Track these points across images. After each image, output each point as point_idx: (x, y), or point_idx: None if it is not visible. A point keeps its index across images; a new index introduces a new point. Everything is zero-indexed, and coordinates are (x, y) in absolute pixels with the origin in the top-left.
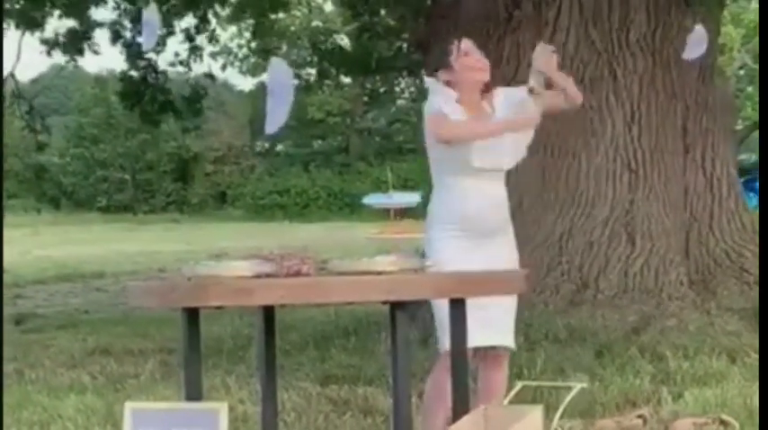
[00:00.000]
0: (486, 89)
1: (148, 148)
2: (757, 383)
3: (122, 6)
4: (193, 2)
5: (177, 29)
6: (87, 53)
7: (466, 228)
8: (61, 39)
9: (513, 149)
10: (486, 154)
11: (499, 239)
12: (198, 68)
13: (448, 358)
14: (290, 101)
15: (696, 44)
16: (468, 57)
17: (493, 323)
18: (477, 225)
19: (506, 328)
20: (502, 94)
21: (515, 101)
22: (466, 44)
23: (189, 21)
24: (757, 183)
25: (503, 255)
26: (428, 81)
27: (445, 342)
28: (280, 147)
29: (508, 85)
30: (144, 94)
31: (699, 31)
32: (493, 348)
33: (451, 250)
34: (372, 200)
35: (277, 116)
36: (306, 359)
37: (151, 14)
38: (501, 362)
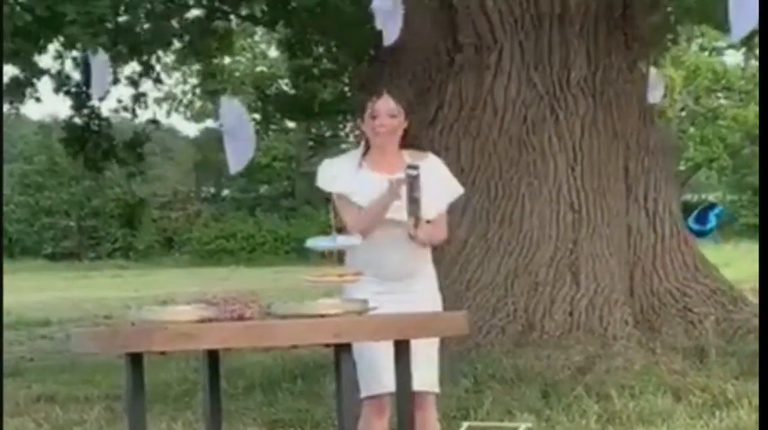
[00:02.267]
0: (404, 139)
1: (93, 195)
2: (702, 421)
3: (65, 54)
4: (137, 48)
5: (121, 75)
6: (30, 100)
7: (384, 273)
8: (8, 88)
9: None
10: (392, 208)
11: (421, 280)
12: (143, 115)
13: (374, 401)
14: (251, 137)
15: (655, 87)
16: (374, 120)
17: (415, 367)
18: (392, 272)
19: (429, 372)
20: (434, 165)
21: (436, 181)
22: (380, 104)
23: (133, 67)
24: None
25: (427, 295)
26: (324, 167)
27: (371, 386)
28: (225, 193)
29: (451, 127)
30: (87, 140)
31: (655, 74)
32: (418, 392)
33: (372, 296)
34: (316, 243)
35: (239, 155)
36: (252, 403)
37: (100, 62)
38: (428, 404)
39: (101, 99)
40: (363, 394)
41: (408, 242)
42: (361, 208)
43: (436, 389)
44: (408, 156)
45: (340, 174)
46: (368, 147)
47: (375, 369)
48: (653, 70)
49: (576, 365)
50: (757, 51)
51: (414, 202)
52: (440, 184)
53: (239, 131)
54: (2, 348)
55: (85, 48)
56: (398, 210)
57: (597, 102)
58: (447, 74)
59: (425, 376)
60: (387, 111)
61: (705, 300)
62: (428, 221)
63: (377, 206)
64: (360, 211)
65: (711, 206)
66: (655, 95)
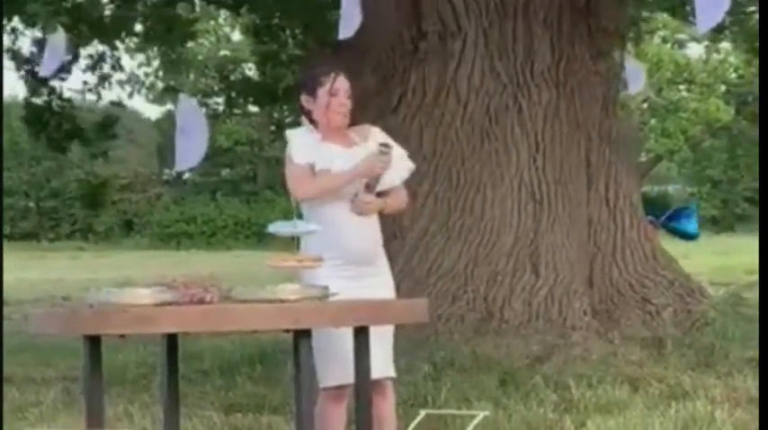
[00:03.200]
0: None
1: (53, 176)
2: (658, 412)
3: (23, 32)
4: (101, 31)
5: (82, 56)
6: None
7: (343, 258)
8: None
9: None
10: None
11: (375, 267)
12: (106, 96)
13: (332, 392)
14: (204, 139)
15: (634, 78)
16: (334, 98)
17: (373, 355)
18: (353, 256)
19: (385, 359)
20: (381, 138)
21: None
22: (340, 83)
23: (95, 47)
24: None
25: (381, 282)
26: (288, 133)
27: (328, 376)
28: (187, 176)
29: (414, 114)
30: (49, 121)
31: (633, 64)
32: (376, 379)
33: (329, 280)
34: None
35: (188, 154)
36: (210, 387)
37: (57, 40)
38: (385, 390)
39: (50, 76)
40: (326, 384)
41: (369, 225)
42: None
43: (393, 374)
44: (353, 132)
45: (309, 147)
46: (313, 122)
47: (332, 359)
48: (632, 60)
49: (534, 354)
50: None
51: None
52: (396, 161)
53: (191, 131)
54: (2, 344)
55: (44, 25)
56: (356, 186)
57: (560, 92)
58: (411, 61)
59: (381, 362)
60: (344, 90)
61: (663, 292)
62: (381, 194)
63: (350, 174)
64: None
65: (685, 209)
66: (636, 86)
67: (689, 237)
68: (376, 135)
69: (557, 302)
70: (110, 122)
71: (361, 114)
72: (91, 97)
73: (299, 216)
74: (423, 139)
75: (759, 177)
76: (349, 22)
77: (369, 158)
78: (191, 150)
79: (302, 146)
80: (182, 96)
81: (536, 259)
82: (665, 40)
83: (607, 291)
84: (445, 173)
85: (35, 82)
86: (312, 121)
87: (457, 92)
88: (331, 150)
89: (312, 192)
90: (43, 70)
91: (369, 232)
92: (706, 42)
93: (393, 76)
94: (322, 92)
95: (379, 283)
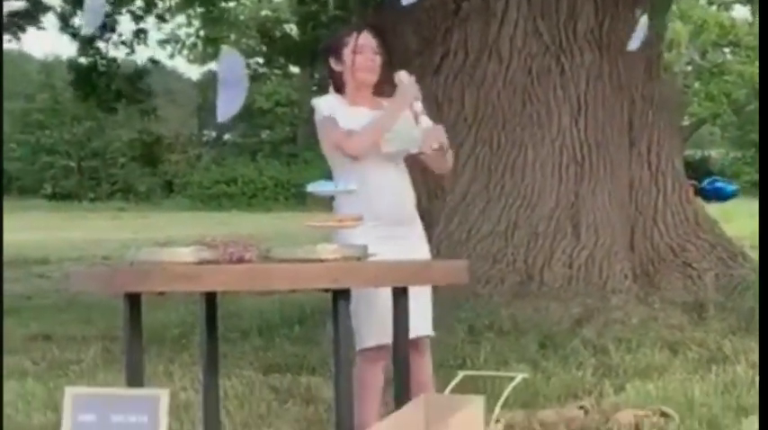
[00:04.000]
0: (377, 87)
1: (95, 136)
2: (698, 376)
3: None
4: None
5: (125, 12)
6: (34, 37)
7: (379, 218)
8: (7, 21)
9: (402, 134)
10: (394, 139)
11: (408, 227)
12: (144, 53)
13: (370, 353)
14: (243, 89)
15: (639, 34)
16: (359, 56)
17: (411, 313)
18: (389, 214)
19: (423, 318)
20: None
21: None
22: (363, 39)
23: (136, 5)
24: (719, 184)
25: (414, 243)
26: (314, 101)
27: (366, 338)
28: (227, 137)
29: (456, 75)
30: (97, 82)
31: (642, 21)
32: (413, 338)
33: (369, 240)
34: (316, 187)
35: (229, 105)
36: (249, 348)
37: None
38: (422, 349)
39: (91, 33)
40: (363, 345)
41: (402, 186)
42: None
43: (430, 332)
44: (382, 101)
45: (344, 110)
46: (336, 89)
47: (369, 320)
48: (644, 19)
49: (573, 317)
50: None
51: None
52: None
53: (233, 83)
54: (2, 325)
55: None
56: (409, 141)
57: (603, 53)
58: (453, 21)
59: (418, 320)
60: (371, 47)
61: (705, 256)
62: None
63: (390, 114)
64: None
65: (715, 181)
66: (634, 43)
67: (727, 196)
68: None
69: (597, 265)
70: (140, 75)
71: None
72: (132, 57)
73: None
74: (464, 101)
75: (759, 177)
76: None
77: (400, 91)
78: (232, 100)
79: (337, 109)
80: (224, 48)
81: (577, 222)
82: (710, 2)
83: (648, 255)
84: (486, 135)
85: (80, 42)
86: (341, 87)
87: (499, 53)
88: (359, 112)
89: (362, 146)
90: (85, 28)
91: (403, 193)
92: (751, 4)
93: (435, 37)
94: (347, 51)
95: (412, 245)
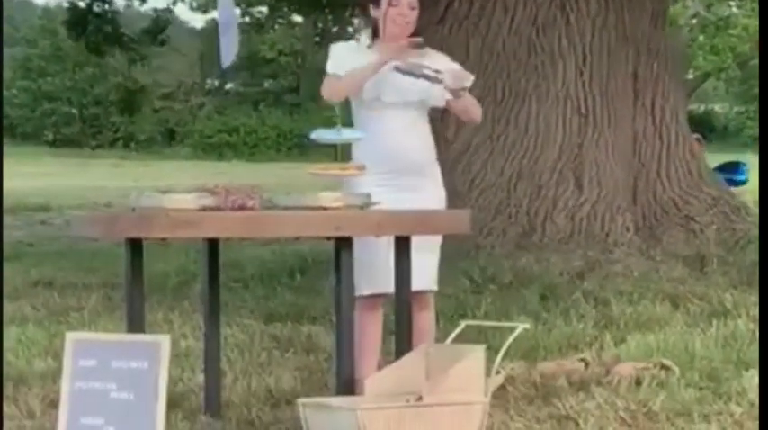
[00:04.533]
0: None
1: (97, 83)
2: (699, 329)
3: None
4: None
5: None
6: None
7: (389, 167)
8: None
9: (421, 85)
10: (394, 89)
11: (425, 178)
12: (152, 3)
13: (368, 300)
14: (236, 32)
15: None
16: (393, 8)
17: (416, 266)
18: (400, 162)
19: (428, 271)
20: (441, 57)
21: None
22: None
23: None
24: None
25: (430, 194)
26: (330, 47)
27: (365, 285)
28: (229, 86)
29: (460, 24)
30: (89, 23)
31: None
32: (416, 291)
33: (377, 189)
34: (320, 135)
35: (229, 49)
36: (250, 296)
37: None
38: (426, 302)
39: None
40: (362, 292)
41: (419, 135)
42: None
43: (434, 287)
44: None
45: (347, 57)
46: (375, 36)
47: (370, 268)
48: None
49: (575, 270)
50: None
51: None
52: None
53: (231, 27)
54: (2, 321)
55: None
56: (411, 91)
57: (609, 4)
58: None
59: (426, 274)
60: (408, 2)
61: (707, 209)
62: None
63: (374, 64)
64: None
65: (737, 164)
66: None
67: (737, 184)
68: (433, 54)
69: (599, 218)
70: (158, 29)
71: None
72: (137, 3)
73: (345, 124)
74: (468, 50)
75: (759, 178)
76: None
77: (398, 45)
78: (231, 44)
79: (338, 57)
80: None
81: (580, 174)
82: None
83: (650, 208)
84: (490, 84)
85: None
86: (377, 33)
87: (504, 2)
88: (368, 59)
89: (336, 91)
90: None
91: (418, 142)
92: None
93: None
94: (384, 2)
95: (425, 196)
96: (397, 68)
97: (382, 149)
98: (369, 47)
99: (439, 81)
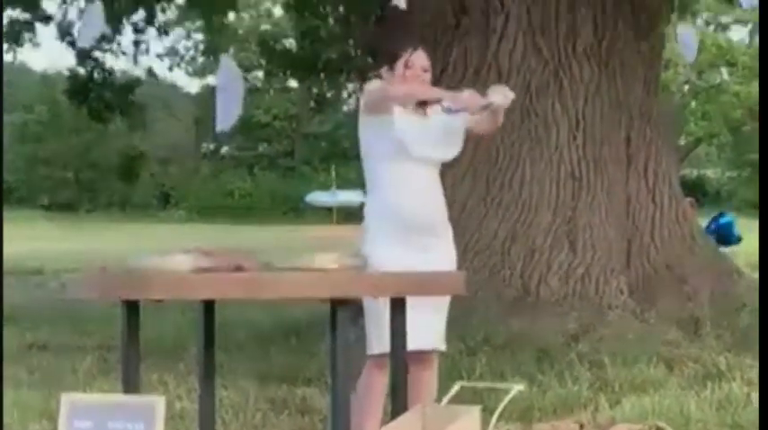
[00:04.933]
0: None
1: (93, 147)
2: (694, 392)
3: (69, 1)
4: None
5: (125, 24)
6: (33, 50)
7: (404, 225)
8: (7, 31)
9: (447, 141)
10: (423, 144)
11: (438, 238)
12: (144, 62)
13: (378, 359)
14: (240, 98)
15: (688, 45)
16: (410, 70)
17: (424, 325)
18: (416, 221)
19: (437, 331)
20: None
21: (451, 121)
22: (416, 58)
23: (138, 16)
24: (724, 220)
25: (442, 255)
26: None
27: (375, 344)
28: (225, 150)
29: (455, 89)
30: (91, 91)
31: (685, 31)
32: (425, 350)
33: (390, 249)
34: (315, 198)
35: (227, 114)
36: (245, 358)
37: (95, 11)
38: (430, 362)
39: (88, 46)
40: (373, 350)
41: (436, 189)
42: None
43: (442, 347)
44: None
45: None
46: None
47: (382, 328)
48: (683, 27)
49: (570, 332)
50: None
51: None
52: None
53: (231, 91)
54: (2, 327)
55: None
56: (440, 148)
57: (602, 70)
58: (453, 36)
59: (436, 333)
60: (422, 65)
61: (701, 273)
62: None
63: (448, 94)
64: None
65: (721, 216)
66: (690, 53)
67: (730, 242)
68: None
69: (593, 280)
70: (131, 87)
71: None
72: (128, 67)
73: (339, 186)
74: None
75: (759, 179)
76: None
77: (473, 95)
78: (229, 110)
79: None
80: (223, 58)
81: (574, 237)
82: (707, 23)
83: (644, 271)
84: (485, 148)
85: (80, 53)
86: None
87: (498, 67)
88: (406, 115)
89: (400, 92)
90: (81, 40)
91: (435, 200)
92: (750, 25)
93: (435, 51)
94: (399, 64)
95: (438, 257)
96: (448, 109)
97: (399, 207)
98: None
99: (489, 105)
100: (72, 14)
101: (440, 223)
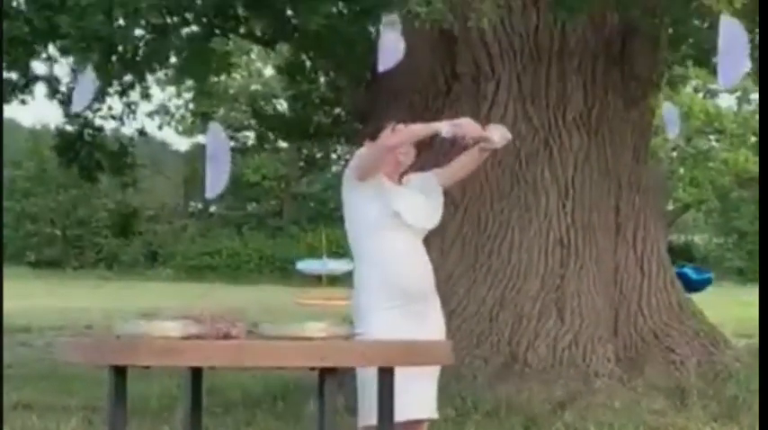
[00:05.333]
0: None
1: (80, 204)
2: None
3: (59, 59)
4: (133, 66)
5: (113, 86)
6: (19, 105)
7: (402, 293)
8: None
9: (432, 206)
10: (415, 213)
11: (429, 307)
12: (133, 125)
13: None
14: (228, 164)
15: (671, 122)
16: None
17: (418, 394)
18: (408, 289)
19: (430, 399)
20: (417, 179)
21: (428, 186)
22: (400, 127)
23: (126, 78)
24: (686, 270)
25: (435, 323)
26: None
27: (368, 415)
28: (213, 209)
29: (445, 155)
30: (80, 150)
31: (669, 108)
32: (419, 419)
33: (389, 317)
34: (306, 265)
35: (216, 181)
36: (231, 421)
37: (87, 78)
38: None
39: (80, 112)
40: (366, 422)
41: (424, 256)
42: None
43: (436, 415)
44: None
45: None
46: None
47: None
48: (667, 104)
49: (557, 400)
50: (752, 96)
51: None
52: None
53: (220, 158)
54: (2, 349)
55: (76, 62)
56: (422, 217)
57: (591, 138)
58: (443, 102)
59: (431, 401)
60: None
61: (688, 342)
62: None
63: (434, 125)
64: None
65: (679, 267)
66: (673, 130)
67: (693, 286)
68: (418, 176)
69: (581, 348)
70: (125, 152)
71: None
72: (117, 125)
73: (328, 254)
74: None
75: (759, 181)
76: (389, 54)
77: (471, 122)
78: (219, 176)
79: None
80: (212, 124)
81: (562, 304)
82: (696, 90)
83: (632, 339)
84: (474, 215)
85: (68, 110)
86: None
87: None
88: (393, 186)
89: (397, 138)
90: (74, 107)
91: (424, 267)
92: (738, 93)
93: (425, 117)
94: (386, 131)
95: (431, 327)
96: (445, 135)
97: (397, 275)
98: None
99: (486, 140)
100: (60, 72)
101: (431, 290)
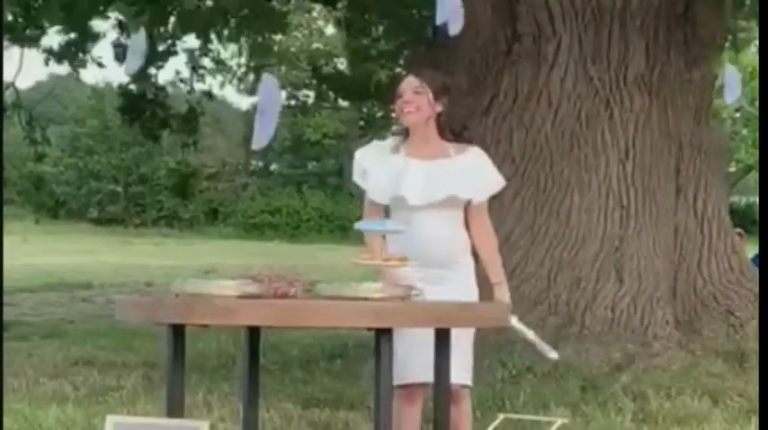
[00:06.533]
0: (440, 129)
1: (142, 162)
2: (738, 426)
3: (121, 21)
4: (194, 25)
5: (180, 48)
6: (90, 65)
7: (422, 260)
8: (61, 50)
9: (450, 185)
10: (419, 192)
11: (452, 271)
12: (197, 85)
13: (403, 392)
14: (276, 117)
15: (732, 86)
16: (399, 99)
17: (421, 360)
18: (433, 259)
19: (459, 366)
20: (476, 158)
21: (477, 173)
22: (404, 84)
23: (192, 41)
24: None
25: (457, 287)
26: (356, 154)
27: (403, 374)
28: (274, 167)
29: (504, 116)
30: (144, 109)
31: (731, 72)
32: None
33: (401, 271)
34: (365, 225)
35: (264, 132)
36: (289, 380)
37: (138, 41)
38: (459, 396)
39: (132, 74)
40: (398, 382)
41: (446, 227)
42: (378, 205)
43: (470, 382)
44: (452, 148)
45: (370, 167)
46: (407, 134)
47: (407, 358)
48: (730, 68)
49: (614, 362)
50: None
51: None
52: (481, 176)
53: (270, 110)
54: (2, 329)
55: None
56: (435, 193)
57: (653, 99)
58: (503, 63)
59: (460, 369)
60: (411, 88)
61: (748, 304)
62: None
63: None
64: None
65: None
66: (732, 95)
67: None
68: (470, 152)
69: (639, 311)
70: (195, 115)
71: (451, 113)
72: (184, 87)
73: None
74: (512, 142)
75: (759, 181)
76: (449, 9)
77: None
78: (267, 129)
79: (362, 169)
80: (265, 75)
81: (620, 267)
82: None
83: (691, 302)
84: (533, 176)
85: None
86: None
87: (549, 95)
88: (392, 161)
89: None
90: (126, 70)
91: (450, 238)
92: None
93: (485, 77)
94: (396, 99)
95: (456, 288)
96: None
97: (416, 244)
98: (394, 149)
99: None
100: (124, 34)
101: (453, 258)
